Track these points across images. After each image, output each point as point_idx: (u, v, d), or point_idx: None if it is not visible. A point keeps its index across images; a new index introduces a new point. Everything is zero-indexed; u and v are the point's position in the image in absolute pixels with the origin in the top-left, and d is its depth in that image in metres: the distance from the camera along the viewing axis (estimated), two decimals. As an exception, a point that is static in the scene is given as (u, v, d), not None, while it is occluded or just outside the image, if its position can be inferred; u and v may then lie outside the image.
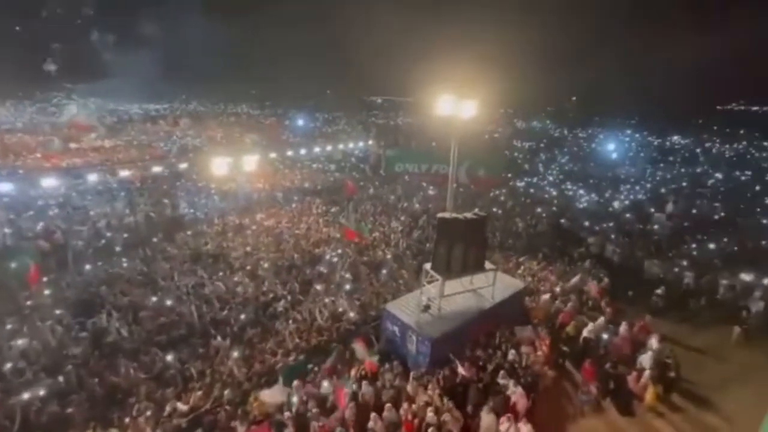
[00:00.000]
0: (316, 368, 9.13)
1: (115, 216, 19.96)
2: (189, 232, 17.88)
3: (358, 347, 9.45)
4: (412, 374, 8.74)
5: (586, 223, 20.22)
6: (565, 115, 79.34)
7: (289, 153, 35.32)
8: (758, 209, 23.93)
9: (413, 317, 9.78)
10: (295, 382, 8.46)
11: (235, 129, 57.32)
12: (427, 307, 9.99)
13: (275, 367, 9.23)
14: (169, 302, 11.84)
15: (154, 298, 12.19)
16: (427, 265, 10.35)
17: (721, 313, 12.51)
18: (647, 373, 9.06)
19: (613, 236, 18.39)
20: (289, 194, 24.80)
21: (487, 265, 10.78)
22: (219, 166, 19.68)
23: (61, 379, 8.80)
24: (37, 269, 11.75)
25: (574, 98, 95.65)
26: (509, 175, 32.53)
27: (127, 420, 7.68)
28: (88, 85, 79.40)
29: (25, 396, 8.12)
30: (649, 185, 31.69)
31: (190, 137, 49.63)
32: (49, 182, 21.45)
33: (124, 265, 14.77)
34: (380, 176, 31.25)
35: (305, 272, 14.03)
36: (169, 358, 9.34)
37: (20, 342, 9.93)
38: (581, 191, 28.82)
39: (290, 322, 10.97)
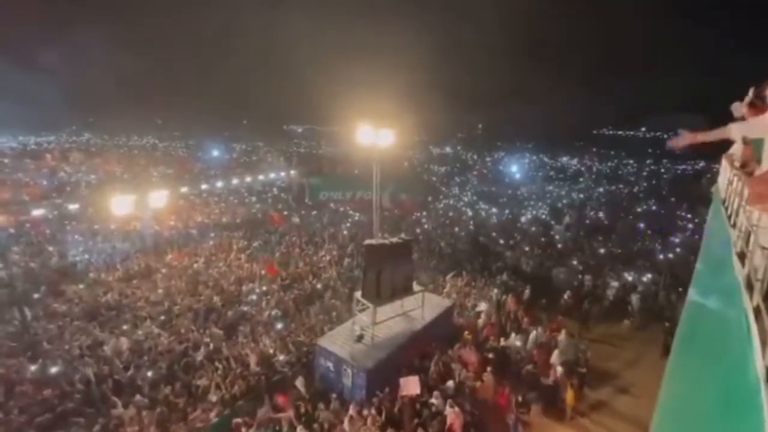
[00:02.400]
0: (245, 420, 8.30)
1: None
2: (81, 285, 15.43)
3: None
4: (350, 409, 8.41)
5: (501, 239, 21.99)
6: (473, 142, 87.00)
7: (204, 186, 33.05)
8: (631, 216, 28.44)
9: (346, 349, 9.53)
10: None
11: (139, 162, 52.29)
12: (360, 337, 9.83)
13: (195, 426, 8.21)
14: (54, 370, 9.94)
15: (34, 368, 10.15)
16: (358, 294, 10.27)
17: (613, 310, 14.43)
18: (559, 369, 9.92)
19: (525, 249, 20.22)
20: (205, 230, 22.98)
21: (416, 286, 11.05)
22: (120, 204, 17.59)
23: None
24: None
25: (480, 125, 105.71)
26: (429, 198, 34.30)
27: None
28: (-59, 115, 66.75)
29: None
30: (548, 200, 35.80)
31: (83, 173, 43.93)
32: None
33: (-7, 331, 12.14)
34: (305, 205, 30.72)
35: (227, 315, 12.93)
36: None
37: None
38: (493, 209, 31.44)
39: (214, 371, 9.92)
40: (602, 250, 20.22)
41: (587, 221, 27.31)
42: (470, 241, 21.82)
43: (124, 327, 12.14)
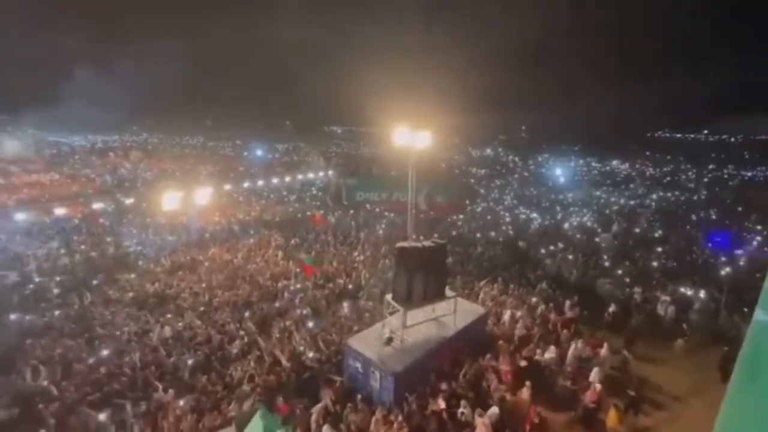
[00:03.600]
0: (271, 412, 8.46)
1: (49, 258, 18.20)
2: (132, 274, 16.55)
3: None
4: (377, 412, 8.35)
5: (541, 246, 21.06)
6: (516, 143, 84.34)
7: (246, 184, 34.45)
8: (688, 226, 26.21)
9: (375, 352, 9.46)
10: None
11: (189, 161, 55.53)
12: (389, 340, 9.73)
13: (228, 415, 8.48)
14: (106, 353, 10.70)
15: (90, 349, 10.99)
16: (389, 296, 10.18)
17: (665, 327, 13.27)
18: (598, 386, 9.27)
19: (567, 257, 19.22)
20: (245, 227, 23.92)
21: (448, 292, 10.78)
22: (169, 199, 18.70)
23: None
24: None
25: (524, 127, 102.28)
26: (467, 201, 33.60)
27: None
28: (26, 115, 74.24)
29: None
30: (595, 206, 33.88)
31: (141, 170, 47.35)
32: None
33: (56, 313, 13.30)
34: (341, 206, 31.14)
35: (262, 309, 13.33)
36: (102, 417, 8.29)
37: None
38: (534, 214, 30.23)
39: (248, 364, 10.24)
40: (654, 263, 18.76)
41: (638, 230, 25.51)
42: (508, 247, 21.08)
43: (168, 316, 12.85)
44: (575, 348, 10.89)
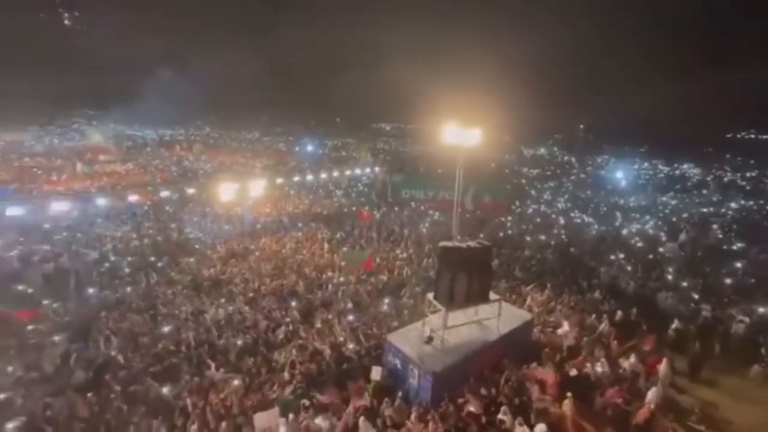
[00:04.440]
0: (312, 402, 8.74)
1: (122, 240, 20.12)
2: (191, 259, 17.83)
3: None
4: (413, 410, 8.32)
5: (597, 253, 19.78)
6: (573, 143, 79.68)
7: (296, 178, 35.75)
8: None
9: (415, 350, 9.42)
10: (290, 416, 8.10)
11: (245, 155, 58.63)
12: (429, 339, 9.65)
13: (270, 398, 8.89)
14: (167, 329, 11.64)
15: (154, 325, 12.02)
16: (430, 295, 10.09)
17: (739, 350, 11.88)
18: (652, 406, 8.53)
19: (625, 266, 17.89)
20: (294, 220, 24.85)
21: (492, 295, 10.47)
22: (226, 191, 19.95)
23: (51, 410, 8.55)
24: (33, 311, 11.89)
25: (582, 126, 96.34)
26: (516, 202, 32.38)
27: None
28: (108, 111, 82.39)
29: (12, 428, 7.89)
30: (660, 213, 31.17)
31: (202, 162, 50.83)
32: (60, 206, 21.84)
33: (127, 289, 14.70)
34: (386, 202, 31.33)
35: (307, 299, 13.79)
36: (165, 390, 9.01)
37: (10, 369, 9.80)
38: (590, 219, 28.45)
39: (290, 350, 10.66)
40: (728, 279, 16.89)
41: (709, 241, 23.10)
42: (559, 252, 20.02)
43: (221, 300, 13.71)
44: (630, 363, 10.12)
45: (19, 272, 15.74)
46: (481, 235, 19.04)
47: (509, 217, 28.09)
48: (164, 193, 27.82)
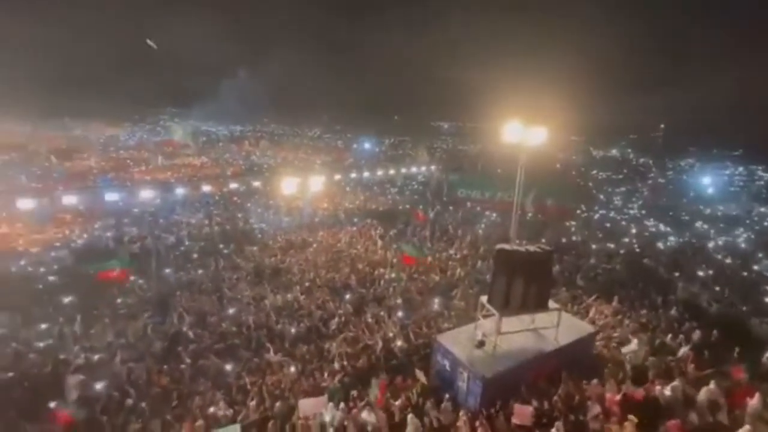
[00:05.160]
0: (360, 393, 8.92)
1: (196, 226, 22.04)
2: (255, 247, 19.02)
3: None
4: (461, 413, 8.16)
5: (675, 266, 17.86)
6: (651, 144, 72.52)
7: (353, 175, 36.57)
8: None
9: (465, 353, 9.20)
10: (341, 405, 8.33)
11: (306, 151, 61.23)
12: (481, 343, 9.37)
13: (321, 385, 9.22)
14: (231, 311, 12.55)
15: (220, 306, 13.04)
16: (484, 298, 9.79)
17: None
18: None
19: (709, 283, 15.96)
20: (350, 215, 25.48)
21: (551, 304, 9.90)
22: (288, 185, 21.01)
23: (134, 372, 9.63)
24: (124, 272, 13.35)
25: (663, 126, 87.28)
26: (582, 206, 30.25)
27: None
28: (188, 109, 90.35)
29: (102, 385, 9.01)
30: (756, 227, 27.32)
31: (267, 157, 53.99)
32: (146, 193, 24.46)
33: (198, 272, 16.08)
34: (441, 201, 30.92)
35: (360, 293, 14.08)
36: (228, 367, 9.73)
37: (104, 334, 11.19)
38: (668, 228, 25.75)
39: (340, 342, 10.96)
40: None
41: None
42: (630, 263, 18.36)
43: (280, 287, 14.48)
44: (708, 391, 9.00)
45: (113, 250, 17.91)
46: (542, 240, 18.11)
47: (573, 222, 26.34)
48: (233, 185, 30.04)
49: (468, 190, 30.72)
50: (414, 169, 38.86)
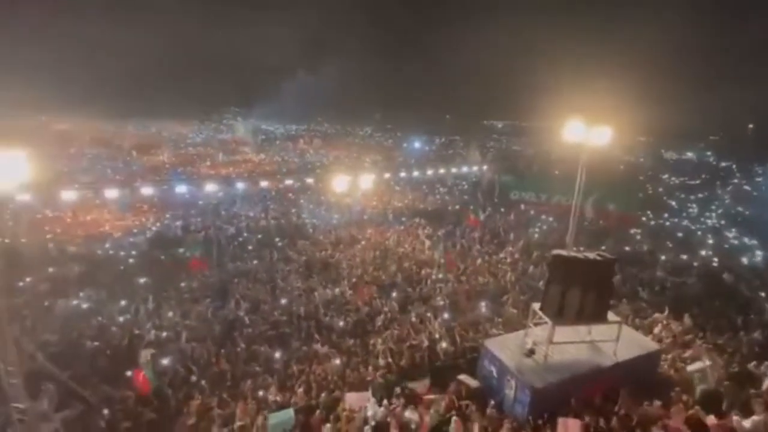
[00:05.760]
0: (403, 391, 8.96)
1: (254, 219, 23.41)
2: (307, 241, 19.79)
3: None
4: (506, 422, 7.91)
5: (761, 284, 15.86)
6: (736, 146, 64.75)
7: (403, 174, 36.65)
8: None
9: (514, 360, 8.89)
10: (384, 402, 8.43)
11: (357, 149, 62.42)
12: (531, 352, 9.00)
13: (365, 380, 9.39)
14: (283, 301, 13.17)
15: (273, 296, 13.75)
16: (536, 305, 9.38)
17: None
18: None
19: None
20: (398, 214, 25.60)
21: (611, 316, 9.26)
22: (339, 182, 21.59)
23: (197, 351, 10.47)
24: (197, 261, 14.64)
25: (751, 126, 77.52)
26: (649, 212, 27.84)
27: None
28: (249, 108, 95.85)
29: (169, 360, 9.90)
30: None
31: (320, 155, 55.82)
32: (210, 187, 26.41)
33: (254, 262, 17.08)
34: (492, 203, 30.00)
35: (406, 291, 14.12)
36: (277, 355, 10.23)
37: (171, 314, 12.28)
38: (754, 241, 22.91)
39: (385, 338, 11.08)
40: None
41: None
42: (706, 277, 16.60)
43: (329, 281, 14.94)
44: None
45: (181, 239, 19.56)
46: (603, 247, 16.98)
47: (638, 230, 24.32)
48: (288, 182, 31.48)
49: (521, 192, 29.49)
50: (465, 169, 38.10)
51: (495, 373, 9.18)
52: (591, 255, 9.02)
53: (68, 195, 22.10)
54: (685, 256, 19.18)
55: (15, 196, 18.21)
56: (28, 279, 14.41)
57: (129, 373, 9.33)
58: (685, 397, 8.83)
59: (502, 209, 27.76)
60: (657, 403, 8.58)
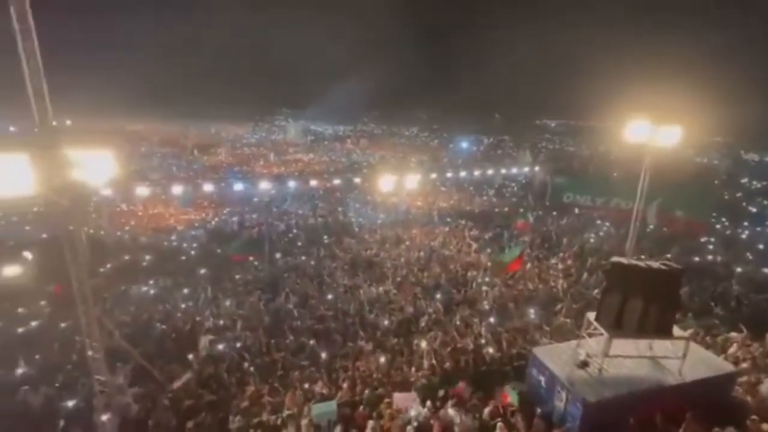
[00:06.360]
0: (447, 393, 8.89)
1: (302, 217, 24.32)
2: (353, 240, 20.20)
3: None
4: (554, 435, 7.60)
5: None
6: (834, 147, 56.76)
7: (449, 174, 36.20)
8: None
9: (565, 371, 8.49)
10: (428, 403, 8.44)
11: (403, 149, 62.59)
12: (584, 364, 8.54)
13: (409, 380, 9.43)
14: (329, 297, 13.57)
15: (320, 291, 14.21)
16: (591, 315, 8.89)
17: None
18: None
19: None
20: (444, 215, 25.34)
21: (677, 331, 8.55)
22: (385, 182, 21.79)
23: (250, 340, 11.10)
24: (239, 256, 15.68)
25: None
26: (724, 220, 25.23)
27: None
28: (300, 110, 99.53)
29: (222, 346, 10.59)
30: None
31: (367, 155, 56.67)
32: (264, 185, 27.80)
33: (302, 258, 17.74)
34: (543, 206, 28.74)
35: (450, 293, 13.97)
36: (323, 354, 10.52)
37: (228, 304, 13.11)
38: None
39: (429, 340, 11.04)
40: None
41: None
42: (792, 294, 14.75)
43: (374, 280, 15.15)
44: None
45: (237, 233, 20.80)
46: (668, 256, 15.74)
47: (711, 239, 22.12)
48: (336, 181, 32.33)
49: (576, 195, 27.92)
50: (514, 170, 36.82)
51: (544, 383, 8.84)
52: (655, 264, 8.39)
53: (141, 190, 24.44)
54: (767, 270, 17.17)
55: (99, 191, 20.40)
56: (108, 265, 16.11)
57: (190, 356, 10.12)
58: (765, 426, 7.97)
59: (554, 212, 26.52)
60: (729, 429, 7.83)
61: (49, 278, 12.97)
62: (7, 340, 11.05)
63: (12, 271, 13.16)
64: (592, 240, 20.54)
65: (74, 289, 7.35)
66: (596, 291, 13.66)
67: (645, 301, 8.14)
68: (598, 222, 24.43)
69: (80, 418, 8.13)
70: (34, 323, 12.16)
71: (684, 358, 8.35)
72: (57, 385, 9.26)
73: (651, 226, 22.72)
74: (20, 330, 11.80)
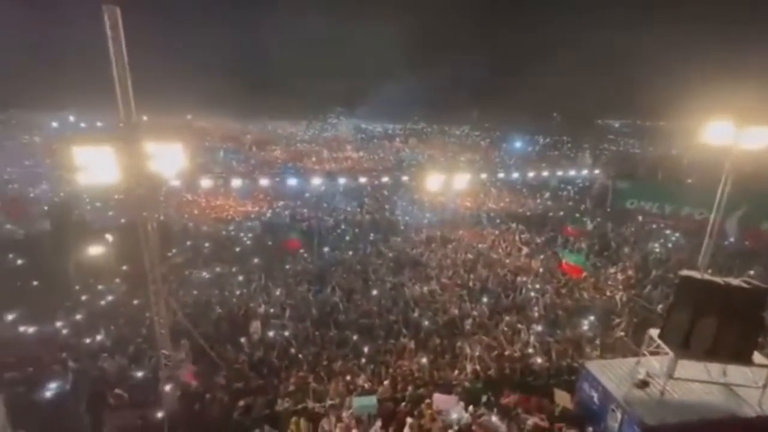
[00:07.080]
0: (490, 400, 8.65)
1: (350, 213, 24.80)
2: (398, 238, 20.25)
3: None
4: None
5: None
6: None
7: (501, 175, 35.04)
8: None
9: (622, 389, 7.93)
10: (470, 408, 8.27)
11: (453, 149, 61.55)
12: (644, 383, 7.91)
13: (452, 383, 9.29)
14: (374, 293, 13.73)
15: (365, 287, 14.42)
16: (654, 332, 8.20)
17: None
18: None
19: None
20: (493, 216, 24.61)
21: (759, 358, 7.64)
22: (433, 181, 21.55)
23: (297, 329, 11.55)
24: (297, 243, 16.31)
25: None
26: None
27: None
28: (352, 108, 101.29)
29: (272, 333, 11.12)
30: None
31: (415, 154, 56.48)
32: (316, 181, 28.73)
33: (349, 253, 18.10)
34: (603, 211, 26.88)
35: (497, 298, 13.56)
36: (366, 349, 10.65)
37: (278, 293, 13.74)
38: None
39: (476, 343, 10.77)
40: None
41: None
42: None
43: (417, 279, 15.09)
44: None
45: (289, 226, 21.70)
46: (750, 273, 14.14)
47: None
48: (384, 179, 32.58)
49: (641, 201, 25.80)
50: (572, 173, 34.77)
51: (596, 400, 8.32)
52: (735, 281, 7.55)
53: (205, 182, 26.35)
54: None
55: (169, 181, 22.26)
56: (173, 251, 17.56)
57: (243, 340, 10.74)
58: None
59: (615, 219, 24.71)
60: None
61: (125, 260, 14.41)
62: (91, 312, 12.47)
63: (96, 251, 14.80)
64: (657, 250, 18.90)
65: (146, 269, 8.11)
66: (660, 306, 12.61)
67: (720, 322, 7.38)
68: (667, 232, 22.41)
69: (147, 387, 8.97)
70: (110, 298, 13.61)
71: (765, 389, 7.46)
72: (128, 355, 10.28)
73: (731, 239, 20.44)
74: (102, 303, 13.27)
